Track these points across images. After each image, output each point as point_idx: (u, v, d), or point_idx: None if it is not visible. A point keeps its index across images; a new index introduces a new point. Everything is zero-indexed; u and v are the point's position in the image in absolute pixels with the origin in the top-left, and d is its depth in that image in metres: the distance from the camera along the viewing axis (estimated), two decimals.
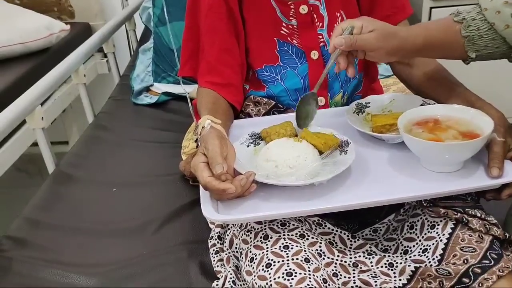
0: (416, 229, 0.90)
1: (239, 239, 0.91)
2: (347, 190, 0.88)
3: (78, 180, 1.35)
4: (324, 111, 1.11)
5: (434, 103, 1.03)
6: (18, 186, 2.03)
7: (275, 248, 0.84)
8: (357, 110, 1.09)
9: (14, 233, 1.15)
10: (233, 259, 0.94)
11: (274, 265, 0.82)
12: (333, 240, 0.92)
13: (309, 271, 0.81)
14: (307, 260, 0.82)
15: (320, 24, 1.12)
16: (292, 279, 0.80)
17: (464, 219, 0.87)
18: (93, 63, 2.15)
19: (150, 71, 1.80)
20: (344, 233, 0.93)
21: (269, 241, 0.85)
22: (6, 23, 1.87)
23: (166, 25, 1.69)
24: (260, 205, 0.86)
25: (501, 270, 0.82)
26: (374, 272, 0.86)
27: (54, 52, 1.96)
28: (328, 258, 0.87)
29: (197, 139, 0.99)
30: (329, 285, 0.82)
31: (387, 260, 0.87)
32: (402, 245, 0.91)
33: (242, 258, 0.89)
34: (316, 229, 0.92)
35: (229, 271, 0.91)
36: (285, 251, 0.83)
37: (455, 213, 0.87)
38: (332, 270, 0.86)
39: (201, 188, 0.86)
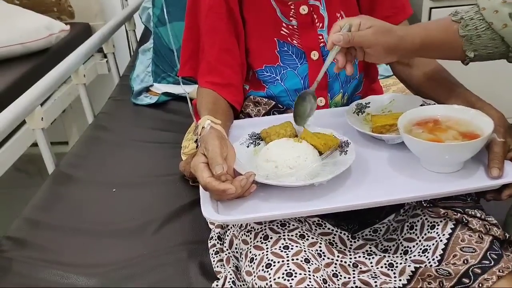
0: (416, 230, 0.90)
1: (239, 239, 0.91)
2: (347, 191, 0.88)
3: (78, 181, 1.35)
4: (324, 111, 1.11)
5: (434, 104, 1.02)
6: (18, 187, 2.03)
7: (275, 249, 0.84)
8: (357, 110, 1.09)
9: (14, 233, 1.15)
10: (233, 260, 0.94)
11: (274, 266, 0.82)
12: (333, 241, 0.92)
13: (309, 271, 0.81)
14: (307, 261, 0.82)
15: (320, 24, 1.12)
16: (292, 279, 0.80)
17: (464, 219, 0.86)
18: (93, 63, 2.14)
19: (150, 72, 1.80)
20: (344, 234, 0.93)
21: (269, 241, 0.85)
22: (6, 24, 1.87)
23: (166, 25, 1.69)
24: (260, 206, 0.86)
25: (501, 271, 0.82)
26: (374, 272, 0.86)
27: (54, 52, 1.95)
28: (328, 258, 0.87)
29: (197, 139, 0.98)
30: (329, 285, 0.82)
31: (387, 261, 0.87)
32: (402, 245, 0.91)
33: (242, 258, 0.89)
34: (316, 230, 0.92)
35: (229, 272, 0.91)
36: (285, 252, 0.83)
37: (455, 213, 0.87)
38: (332, 270, 0.86)
39: (201, 188, 0.86)
